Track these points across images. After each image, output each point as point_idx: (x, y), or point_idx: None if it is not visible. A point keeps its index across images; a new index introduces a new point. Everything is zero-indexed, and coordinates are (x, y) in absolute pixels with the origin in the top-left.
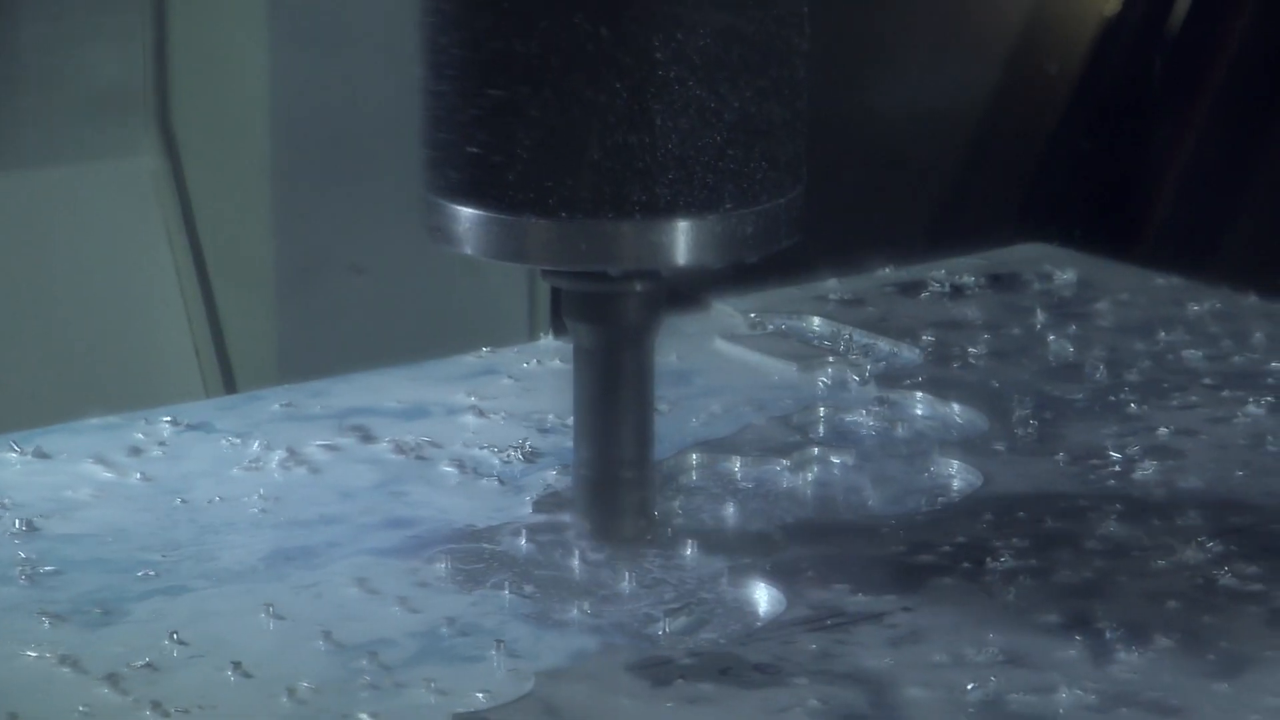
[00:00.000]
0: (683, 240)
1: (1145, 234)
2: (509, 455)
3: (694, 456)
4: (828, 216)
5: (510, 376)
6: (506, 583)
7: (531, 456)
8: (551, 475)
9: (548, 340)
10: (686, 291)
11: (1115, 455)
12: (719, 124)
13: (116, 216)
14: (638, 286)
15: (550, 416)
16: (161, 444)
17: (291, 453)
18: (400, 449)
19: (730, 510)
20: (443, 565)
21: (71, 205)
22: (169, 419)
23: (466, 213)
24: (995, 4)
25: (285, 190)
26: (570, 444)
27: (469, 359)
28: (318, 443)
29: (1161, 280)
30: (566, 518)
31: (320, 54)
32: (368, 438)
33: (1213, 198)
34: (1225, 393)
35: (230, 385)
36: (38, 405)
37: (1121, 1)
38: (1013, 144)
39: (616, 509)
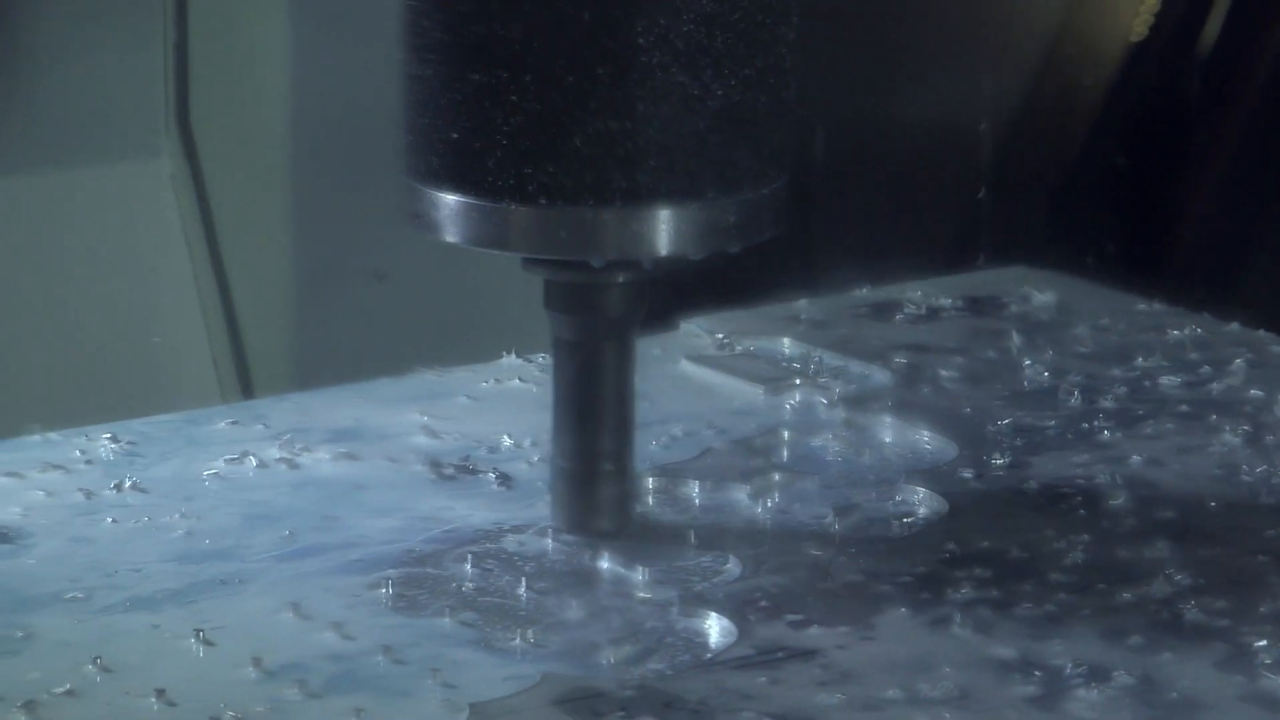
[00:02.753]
0: (664, 229)
1: (1171, 263)
2: (458, 478)
3: (650, 481)
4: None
5: (467, 396)
6: (447, 609)
7: (480, 478)
8: (503, 500)
9: (509, 359)
10: (656, 311)
11: (1085, 484)
12: (702, 111)
13: (134, 219)
14: (619, 277)
15: (505, 438)
16: (95, 463)
17: (230, 473)
18: (345, 470)
19: (686, 537)
20: (383, 590)
21: (89, 207)
22: (108, 436)
23: (446, 199)
24: (1019, 22)
25: (306, 194)
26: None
27: (427, 377)
28: (259, 462)
29: (1143, 305)
30: (513, 544)
31: (343, 55)
32: (313, 458)
33: (1240, 230)
34: (1201, 421)
35: (248, 391)
36: (52, 408)
37: (1148, 28)
38: (1033, 164)
39: (595, 503)
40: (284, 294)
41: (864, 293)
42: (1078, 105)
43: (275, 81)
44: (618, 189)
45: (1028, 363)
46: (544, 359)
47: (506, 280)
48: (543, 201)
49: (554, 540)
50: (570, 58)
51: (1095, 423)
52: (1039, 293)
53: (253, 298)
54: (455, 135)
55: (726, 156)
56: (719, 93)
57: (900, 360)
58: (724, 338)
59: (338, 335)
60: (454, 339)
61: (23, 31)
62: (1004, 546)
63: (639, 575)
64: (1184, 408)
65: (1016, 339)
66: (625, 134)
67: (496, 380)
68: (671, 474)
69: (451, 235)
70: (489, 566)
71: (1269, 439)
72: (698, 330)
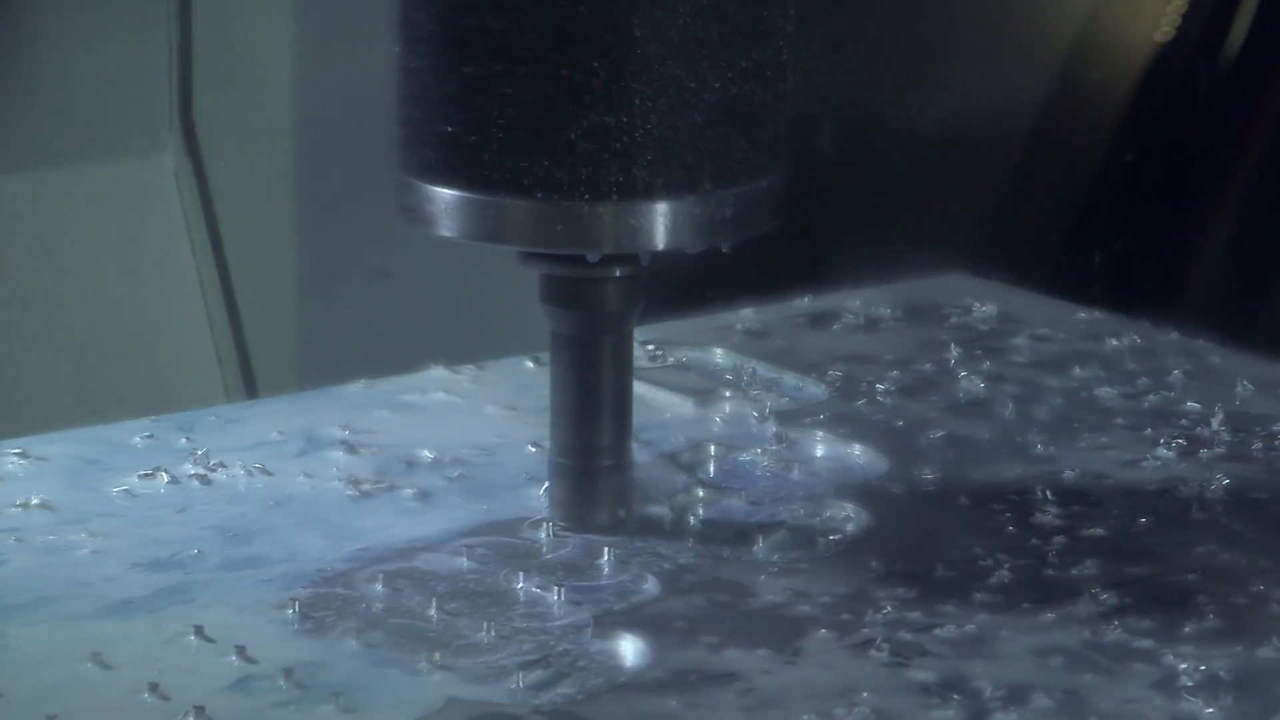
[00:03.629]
0: (661, 222)
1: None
2: (372, 494)
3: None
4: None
5: (390, 409)
6: (355, 631)
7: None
8: (418, 517)
9: (436, 371)
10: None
11: (1016, 499)
12: (699, 104)
13: (138, 216)
14: (616, 271)
15: (425, 453)
16: (4, 479)
17: (142, 489)
18: (259, 486)
19: (605, 556)
20: (289, 611)
21: (93, 205)
22: (17, 451)
23: (440, 193)
24: (1037, 26)
25: (309, 192)
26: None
27: (350, 389)
28: (170, 478)
29: (1083, 314)
30: (425, 562)
31: (347, 52)
32: (228, 474)
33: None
34: (1137, 434)
35: (252, 390)
36: (57, 408)
37: (1175, 27)
38: (1048, 175)
39: (593, 498)
40: (287, 291)
41: (805, 302)
42: (1083, 107)
43: (279, 79)
44: (614, 183)
45: (963, 374)
46: (473, 370)
47: (509, 278)
48: (538, 195)
49: (552, 533)
50: (565, 50)
51: (1030, 435)
52: (979, 303)
53: (256, 295)
54: (449, 129)
55: (723, 149)
56: (715, 85)
57: (836, 372)
58: (656, 348)
59: (341, 333)
60: (458, 336)
61: (25, 29)
62: (929, 565)
63: (554, 595)
64: (1120, 420)
65: (954, 350)
66: (621, 127)
67: (422, 393)
68: None
69: (446, 230)
70: (400, 586)
71: (1204, 453)
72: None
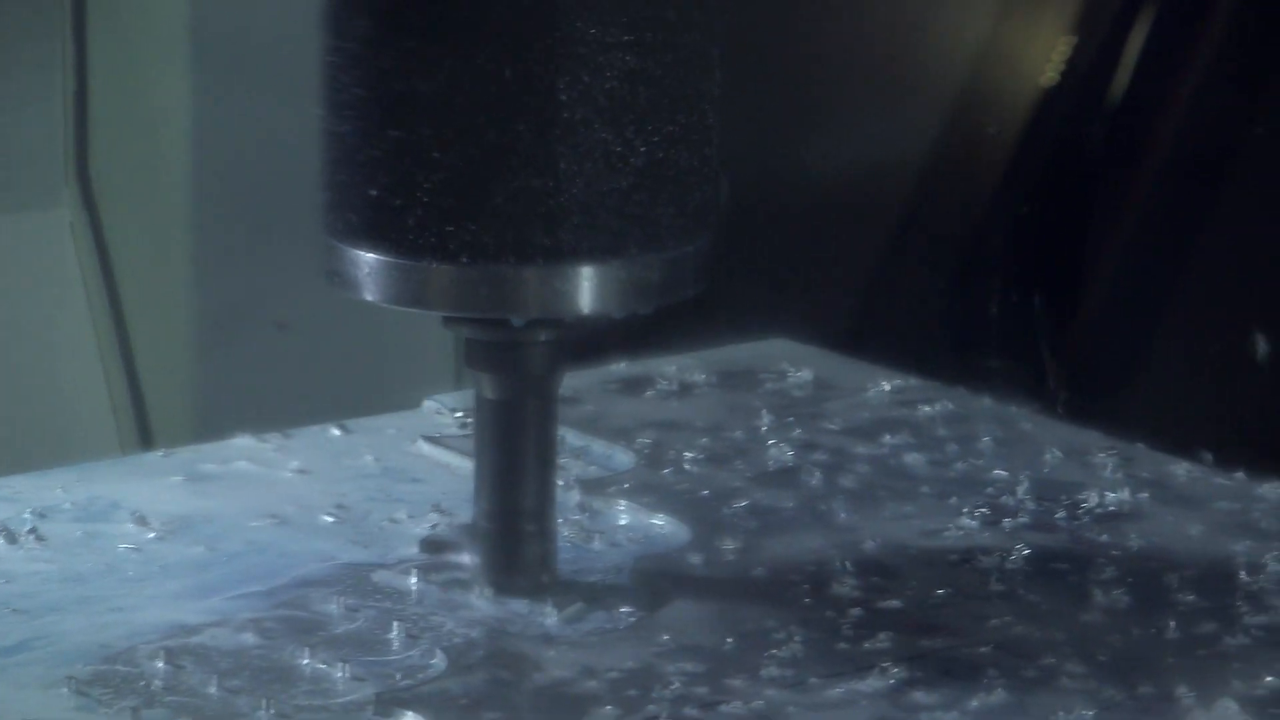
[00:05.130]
0: (587, 287)
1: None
2: (160, 567)
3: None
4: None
5: (185, 476)
6: (130, 710)
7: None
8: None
9: (242, 440)
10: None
11: (814, 570)
12: (625, 168)
13: (33, 269)
14: (541, 335)
15: (216, 524)
16: None
17: None
18: (40, 557)
19: (394, 630)
20: (64, 690)
21: None
22: None
23: (365, 257)
24: (926, 75)
25: (206, 244)
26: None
27: (149, 458)
28: None
29: (899, 380)
30: (210, 638)
31: (244, 104)
32: (4, 545)
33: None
34: (942, 503)
35: (148, 442)
36: None
37: (1059, 73)
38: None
39: (518, 562)
40: (184, 343)
41: (621, 367)
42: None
43: (176, 130)
44: (540, 246)
45: (772, 441)
46: (279, 438)
47: (410, 331)
48: (464, 260)
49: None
50: (492, 114)
51: (834, 504)
52: (794, 368)
53: (152, 348)
54: (374, 192)
55: (649, 214)
56: (642, 150)
57: (645, 439)
58: (465, 415)
59: (239, 385)
60: (356, 389)
61: None
62: (721, 639)
63: (339, 672)
64: (926, 488)
65: (766, 417)
66: (547, 191)
67: (223, 462)
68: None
69: (371, 294)
70: (183, 663)
71: (1007, 522)
72: (441, 408)
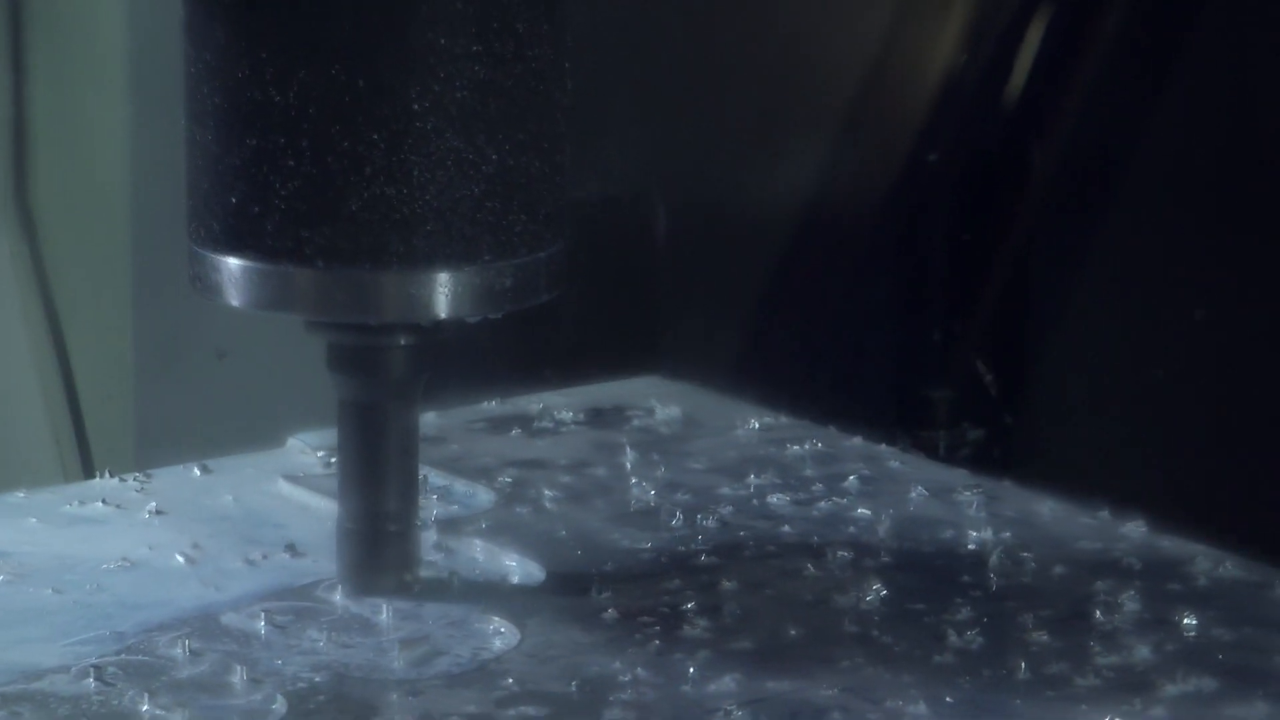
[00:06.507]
0: (441, 291)
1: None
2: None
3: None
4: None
5: (37, 518)
6: None
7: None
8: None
9: (103, 481)
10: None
11: (668, 613)
12: (477, 176)
13: None
14: (401, 339)
15: (66, 566)
16: None
17: None
18: None
19: (238, 674)
20: None
21: None
22: None
23: (228, 262)
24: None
25: (146, 272)
26: None
27: (7, 499)
28: None
29: (769, 419)
30: (50, 683)
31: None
32: None
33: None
34: (803, 542)
35: (89, 471)
36: None
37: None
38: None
39: (380, 563)
40: (125, 371)
41: (491, 405)
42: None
43: (115, 159)
44: (394, 252)
45: (634, 480)
46: (140, 478)
47: None
48: (320, 264)
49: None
50: (345, 123)
51: (694, 545)
52: (663, 406)
53: (93, 376)
54: (234, 199)
55: (501, 221)
56: (493, 158)
57: (506, 478)
58: (327, 454)
59: (179, 413)
60: (297, 417)
61: None
62: (565, 683)
63: (177, 717)
64: (787, 528)
65: (630, 455)
66: (401, 198)
67: (81, 503)
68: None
69: (233, 298)
70: (20, 710)
71: (868, 562)
72: (304, 446)
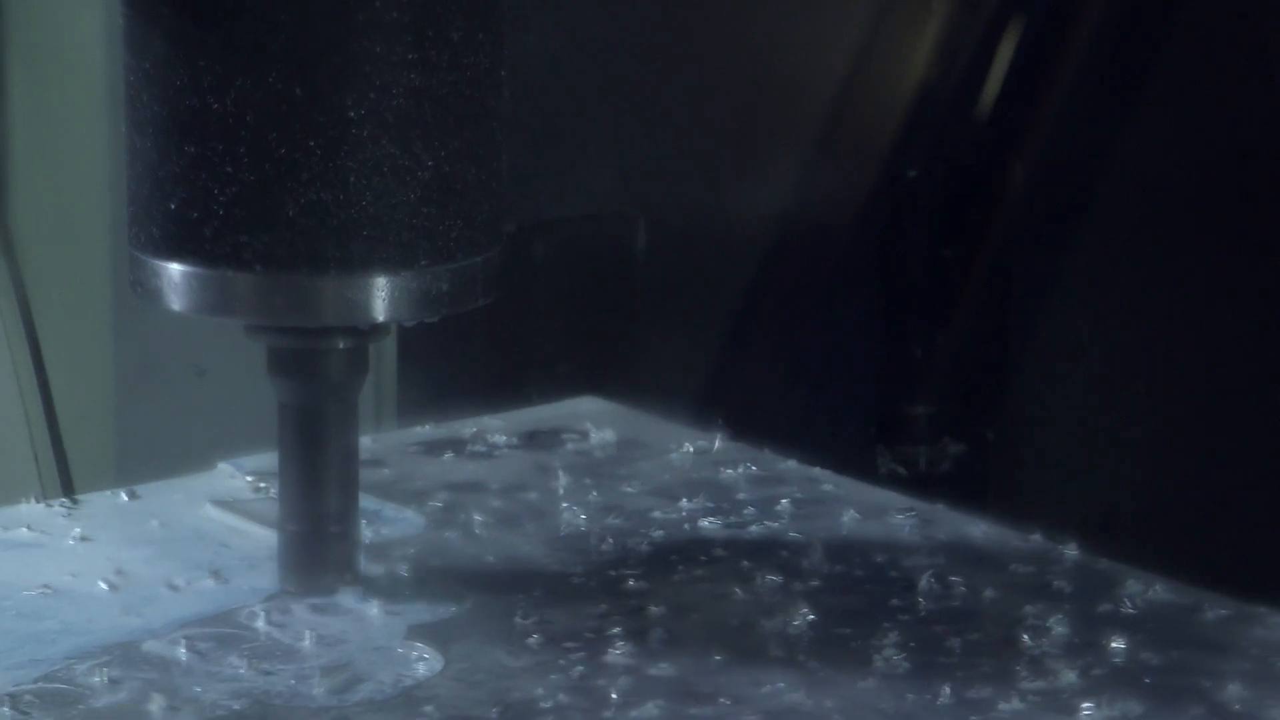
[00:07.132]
0: (378, 296)
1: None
2: None
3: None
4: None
5: None
6: None
7: None
8: None
9: (29, 506)
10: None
11: (593, 638)
12: (413, 182)
13: None
14: (340, 343)
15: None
16: None
17: None
18: None
19: (156, 702)
20: None
21: None
22: None
23: (168, 267)
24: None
25: (126, 291)
26: None
27: None
28: None
29: (703, 441)
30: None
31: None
32: None
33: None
34: (733, 566)
35: (69, 488)
36: None
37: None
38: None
39: (321, 563)
40: (104, 389)
41: (426, 429)
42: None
43: (95, 179)
44: (332, 257)
45: (565, 505)
46: (66, 504)
47: None
48: (259, 269)
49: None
50: (283, 130)
51: (623, 569)
52: (598, 429)
53: (73, 394)
54: (173, 205)
55: (438, 226)
56: (429, 164)
57: (436, 503)
58: (257, 479)
59: (159, 431)
60: (274, 434)
61: None
62: (486, 709)
63: None
64: (719, 551)
65: (563, 478)
66: (338, 204)
67: (4, 528)
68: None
69: (173, 303)
70: None
71: (797, 585)
72: (234, 471)
